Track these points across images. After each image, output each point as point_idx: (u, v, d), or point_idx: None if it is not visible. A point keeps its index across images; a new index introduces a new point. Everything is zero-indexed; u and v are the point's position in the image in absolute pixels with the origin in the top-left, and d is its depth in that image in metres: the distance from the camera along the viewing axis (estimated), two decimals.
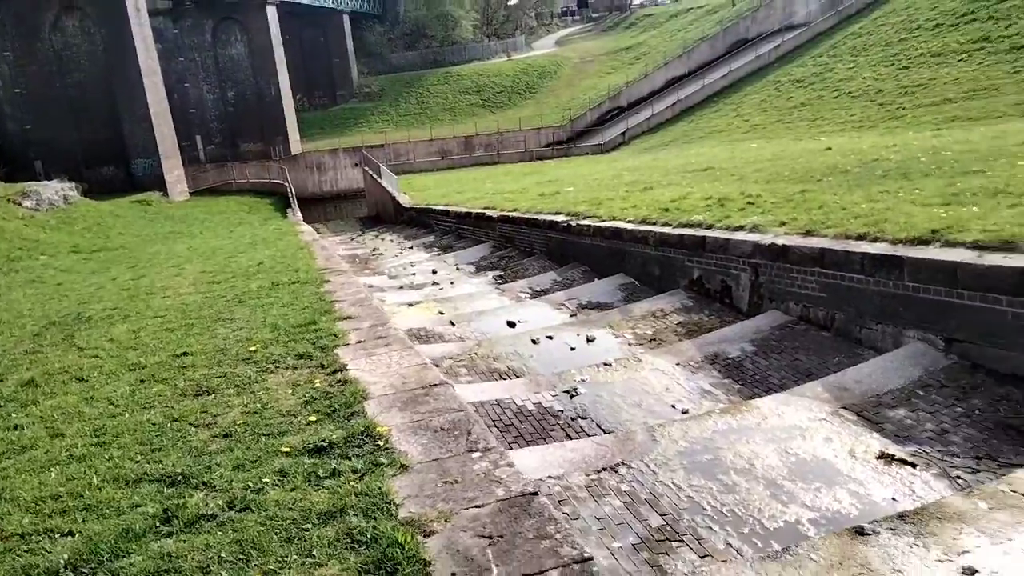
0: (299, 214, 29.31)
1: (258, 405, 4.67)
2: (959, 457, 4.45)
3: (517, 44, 70.92)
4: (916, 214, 6.99)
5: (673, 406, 5.94)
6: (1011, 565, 3.23)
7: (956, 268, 5.47)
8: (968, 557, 3.31)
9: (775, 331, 7.11)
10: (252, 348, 6.03)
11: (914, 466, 4.42)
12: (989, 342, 5.24)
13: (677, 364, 6.74)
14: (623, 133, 40.80)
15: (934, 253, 5.85)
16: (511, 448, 5.16)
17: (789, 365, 6.42)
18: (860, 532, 3.57)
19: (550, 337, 7.93)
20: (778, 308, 7.49)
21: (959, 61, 24.79)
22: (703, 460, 4.71)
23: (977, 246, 5.69)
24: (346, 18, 62.88)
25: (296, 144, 49.73)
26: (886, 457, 4.54)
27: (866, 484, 4.30)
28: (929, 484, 4.21)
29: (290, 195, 37.01)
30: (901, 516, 3.67)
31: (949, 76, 24.04)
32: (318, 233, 22.20)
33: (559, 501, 4.35)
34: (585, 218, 12.07)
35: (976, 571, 3.22)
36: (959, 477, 4.23)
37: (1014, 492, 3.73)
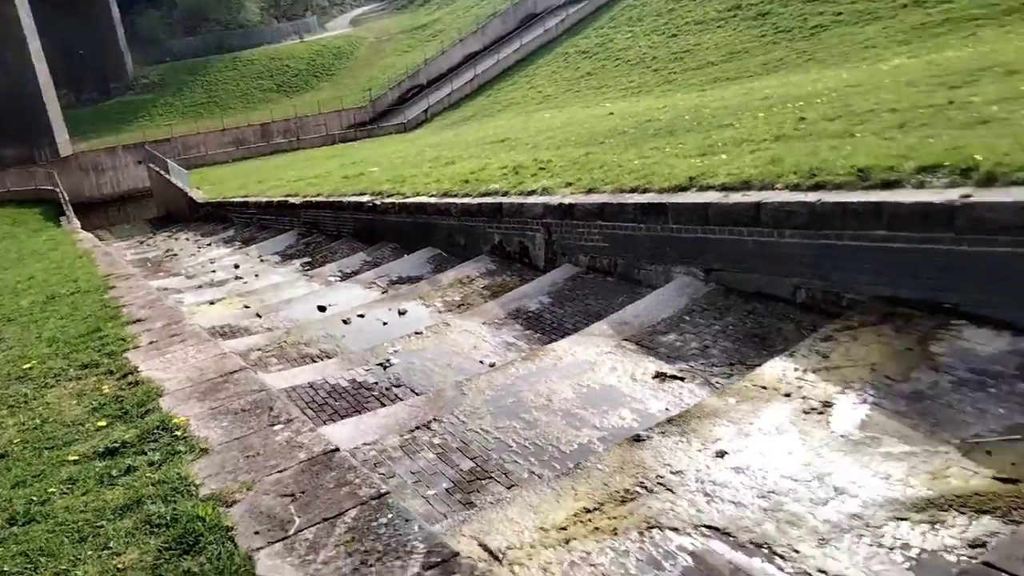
0: (76, 221, 26.47)
1: (38, 421, 4.36)
2: (717, 366, 5.17)
3: (310, 25, 68.29)
4: (678, 165, 7.83)
5: (481, 361, 6.28)
6: (751, 444, 3.86)
7: (708, 208, 6.24)
8: (720, 443, 3.91)
9: (568, 282, 7.69)
10: (27, 365, 5.54)
11: (683, 379, 5.08)
12: (737, 268, 6.07)
13: (483, 324, 7.10)
14: (425, 111, 40.94)
15: (691, 197, 6.62)
16: (326, 424, 5.22)
17: (581, 310, 6.99)
18: (637, 439, 4.08)
19: (362, 316, 8.00)
20: (570, 261, 8.09)
21: (718, 27, 27.48)
22: (507, 404, 5.07)
23: (724, 188, 6.52)
24: (112, 2, 57.01)
25: (66, 145, 44.65)
26: (660, 376, 5.16)
27: (645, 401, 4.88)
28: (694, 392, 4.86)
29: (63, 201, 33.23)
30: (670, 421, 4.24)
31: (711, 41, 26.60)
32: (100, 240, 20.29)
33: (375, 464, 4.50)
34: (390, 196, 12.15)
35: (726, 452, 3.82)
36: (717, 382, 4.92)
37: (755, 386, 4.43)
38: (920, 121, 6.61)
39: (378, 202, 12.09)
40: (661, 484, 3.66)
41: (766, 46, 22.63)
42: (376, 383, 6.05)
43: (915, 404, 3.97)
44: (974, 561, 2.72)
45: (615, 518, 3.45)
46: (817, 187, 5.53)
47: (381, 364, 6.39)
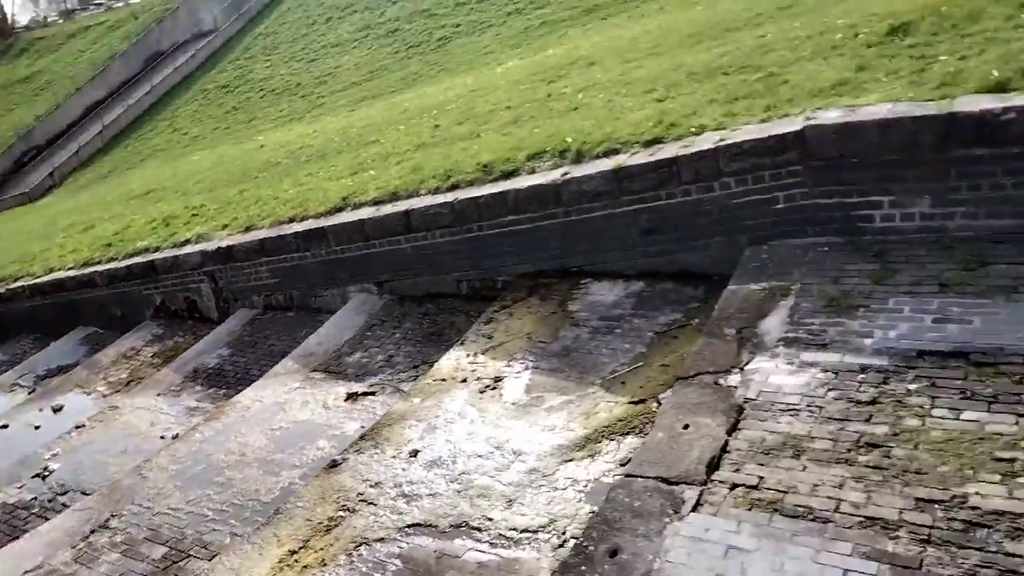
0: None
1: None
2: (404, 372, 5.37)
3: None
4: (332, 188, 7.90)
5: (163, 436, 5.73)
6: (439, 436, 4.09)
7: (364, 224, 6.41)
8: (412, 444, 4.08)
9: (247, 327, 7.35)
10: None
11: (374, 394, 5.18)
12: (404, 275, 6.34)
13: (159, 395, 6.49)
14: (51, 174, 35.62)
15: (347, 216, 6.73)
16: None
17: (266, 353, 6.74)
18: (333, 465, 4.08)
19: (4, 427, 6.80)
20: (245, 305, 7.73)
21: (354, 48, 28.13)
22: (197, 472, 4.71)
23: (376, 202, 6.74)
24: None
25: None
26: (352, 396, 5.21)
27: (341, 425, 4.88)
28: (386, 403, 4.99)
29: None
30: (363, 437, 4.31)
31: (350, 62, 27.14)
32: None
33: None
34: (17, 280, 10.44)
35: (418, 451, 4.01)
36: (405, 387, 5.11)
37: (435, 381, 4.70)
38: (529, 115, 7.51)
39: (2, 290, 10.30)
40: (363, 500, 3.71)
41: (401, 61, 23.76)
42: (35, 499, 5.22)
43: (565, 358, 4.55)
44: (622, 477, 3.22)
45: (322, 549, 3.42)
46: (454, 187, 6.00)
47: (38, 475, 5.53)
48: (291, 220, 7.43)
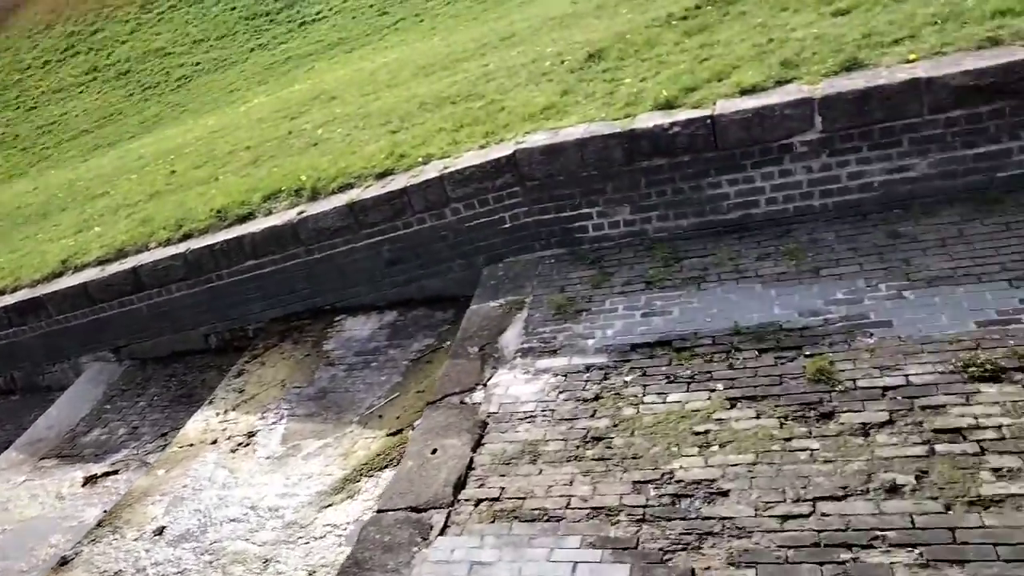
0: None
1: None
2: (151, 442, 4.92)
3: None
4: (51, 251, 7.06)
5: None
6: (186, 508, 3.80)
7: (87, 287, 5.79)
8: (156, 521, 3.76)
9: None
10: None
11: (117, 472, 4.69)
12: (143, 337, 5.83)
13: None
14: None
15: (68, 281, 6.04)
16: None
17: None
18: (64, 562, 3.63)
19: None
20: None
21: (80, 93, 25.43)
22: None
23: (101, 262, 6.12)
24: None
25: None
26: (91, 480, 4.67)
27: (79, 514, 4.35)
28: (131, 480, 4.52)
29: None
30: (99, 524, 3.88)
31: (78, 108, 24.49)
32: None
33: None
34: None
35: (164, 527, 3.69)
36: (152, 459, 4.68)
37: (182, 448, 4.37)
38: (269, 154, 7.28)
39: None
40: None
41: (138, 104, 21.93)
42: None
43: (322, 400, 4.45)
44: (374, 513, 3.20)
45: None
46: (187, 237, 5.63)
47: None
48: (0, 293, 6.53)
